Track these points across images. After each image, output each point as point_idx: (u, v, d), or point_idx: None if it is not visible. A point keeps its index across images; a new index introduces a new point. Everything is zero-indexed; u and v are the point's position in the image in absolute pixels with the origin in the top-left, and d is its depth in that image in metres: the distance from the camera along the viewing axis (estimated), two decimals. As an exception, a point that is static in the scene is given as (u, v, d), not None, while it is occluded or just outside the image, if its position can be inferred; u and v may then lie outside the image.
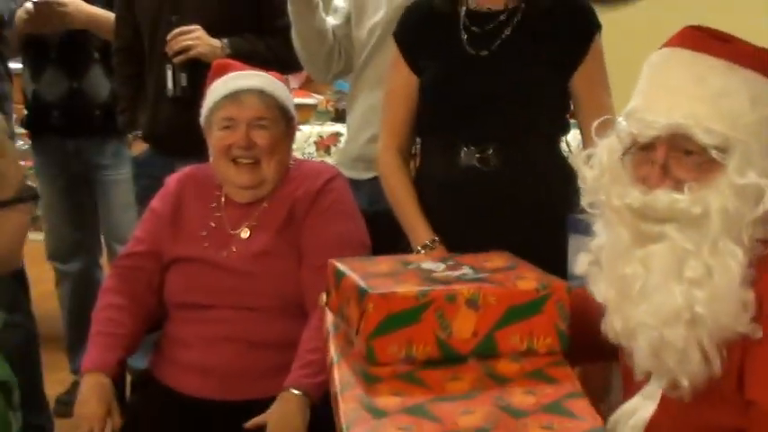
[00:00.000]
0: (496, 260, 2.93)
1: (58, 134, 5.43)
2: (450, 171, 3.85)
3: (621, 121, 2.62)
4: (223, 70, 3.88)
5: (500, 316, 2.72)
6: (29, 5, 4.96)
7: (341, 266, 2.94)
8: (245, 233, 3.80)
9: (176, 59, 4.79)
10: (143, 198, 4.33)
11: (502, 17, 3.82)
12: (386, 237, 3.87)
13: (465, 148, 3.82)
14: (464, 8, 3.86)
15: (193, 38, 4.78)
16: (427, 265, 2.97)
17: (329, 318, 2.99)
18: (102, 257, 5.81)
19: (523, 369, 2.67)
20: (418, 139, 4.09)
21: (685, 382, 2.50)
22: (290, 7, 4.37)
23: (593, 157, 2.68)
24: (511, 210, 3.79)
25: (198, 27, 4.79)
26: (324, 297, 3.08)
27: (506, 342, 2.71)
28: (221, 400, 3.59)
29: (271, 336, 3.62)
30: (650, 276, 2.55)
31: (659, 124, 2.51)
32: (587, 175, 2.68)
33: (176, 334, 3.77)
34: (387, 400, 2.53)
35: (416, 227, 3.85)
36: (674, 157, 2.52)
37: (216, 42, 4.80)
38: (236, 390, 3.61)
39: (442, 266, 2.94)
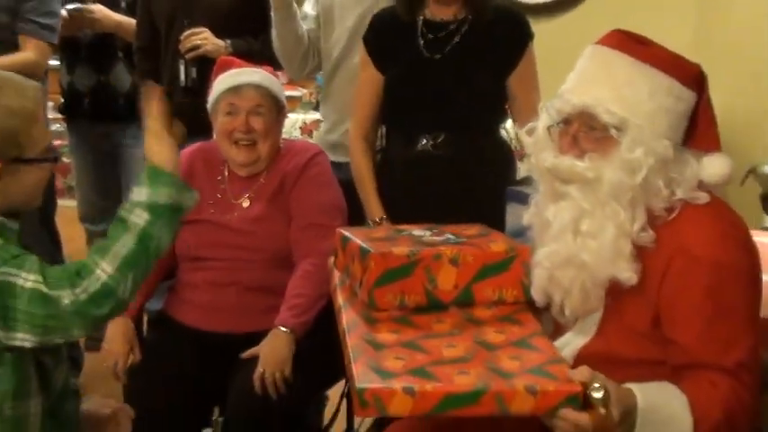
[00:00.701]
0: (472, 229, 3.10)
1: (88, 119, 5.57)
2: (409, 154, 4.00)
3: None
4: (227, 66, 4.03)
5: (476, 272, 2.88)
6: (64, 12, 5.12)
7: (346, 233, 3.12)
8: (245, 203, 3.95)
9: (188, 56, 4.95)
10: None
11: (452, 27, 3.95)
12: (357, 206, 4.05)
13: (421, 136, 3.95)
14: (421, 18, 3.99)
15: (202, 38, 4.91)
16: (417, 232, 3.14)
17: (336, 275, 3.15)
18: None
19: (495, 314, 2.83)
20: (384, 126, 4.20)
21: (568, 312, 2.73)
22: (273, 14, 4.51)
23: (534, 129, 2.82)
24: (459, 185, 3.93)
25: (205, 29, 4.92)
26: (332, 259, 3.24)
27: (481, 293, 2.87)
28: (223, 333, 3.77)
29: (264, 282, 3.78)
30: (554, 226, 2.73)
31: (572, 103, 2.67)
32: (526, 142, 2.85)
33: (188, 280, 3.92)
34: (385, 337, 2.68)
35: (371, 205, 4.04)
36: (582, 131, 2.67)
37: (221, 42, 4.90)
38: (235, 324, 3.78)
39: (428, 233, 3.11)
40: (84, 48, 5.56)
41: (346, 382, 4.12)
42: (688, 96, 2.69)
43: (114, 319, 3.52)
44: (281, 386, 3.53)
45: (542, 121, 2.78)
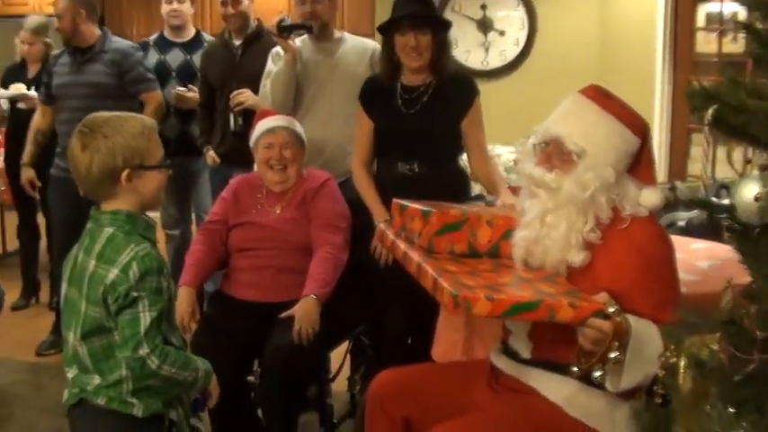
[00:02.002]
0: (489, 208, 3.35)
1: (172, 155, 5.61)
2: (392, 176, 4.16)
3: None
4: (264, 115, 4.32)
5: (504, 232, 3.03)
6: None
7: (403, 202, 3.35)
8: (278, 209, 4.14)
9: (236, 108, 5.14)
10: (215, 190, 4.60)
11: (421, 89, 4.13)
12: (352, 216, 4.19)
13: (399, 163, 4.12)
14: (399, 83, 4.17)
15: (246, 96, 5.12)
16: (456, 204, 3.39)
17: (390, 233, 3.34)
18: (192, 225, 6.12)
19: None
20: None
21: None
22: (283, 66, 4.63)
23: (525, 143, 2.99)
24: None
25: (248, 90, 5.11)
26: (381, 225, 3.58)
27: (506, 248, 3.00)
28: (263, 302, 3.98)
29: (291, 265, 4.01)
30: (527, 215, 2.93)
31: (551, 131, 2.90)
32: (520, 152, 3.02)
33: (238, 265, 4.16)
34: (451, 267, 2.81)
35: (376, 210, 4.13)
36: (555, 152, 2.89)
37: (258, 98, 5.00)
38: (272, 295, 3.98)
39: (464, 206, 3.37)
40: (172, 108, 5.88)
41: (349, 343, 4.39)
42: (634, 141, 2.89)
43: (182, 289, 3.90)
44: (311, 337, 3.74)
45: (531, 139, 2.98)
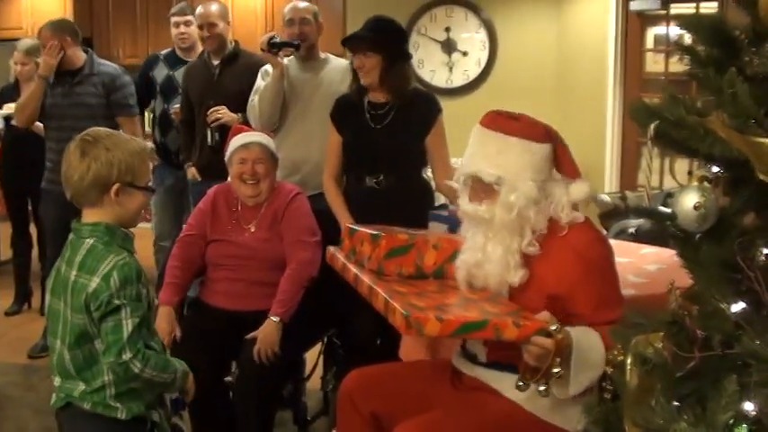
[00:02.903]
0: (436, 232, 3.38)
1: (173, 167, 5.89)
2: (360, 189, 4.21)
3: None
4: (238, 131, 4.27)
5: (449, 255, 3.04)
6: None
7: (353, 227, 3.33)
8: (253, 228, 4.09)
9: (213, 125, 5.20)
10: (195, 204, 4.49)
11: (387, 106, 4.17)
12: (323, 225, 4.11)
13: (367, 177, 4.16)
14: (367, 100, 4.19)
15: (222, 113, 5.20)
16: (403, 229, 3.31)
17: (341, 255, 3.29)
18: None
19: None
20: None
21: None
22: (270, 82, 4.67)
23: (458, 181, 2.97)
24: (395, 209, 3.99)
25: (224, 107, 5.18)
26: (331, 248, 3.44)
27: (451, 270, 2.99)
28: (236, 310, 3.97)
29: (262, 278, 3.98)
30: (470, 243, 2.93)
31: (465, 171, 2.91)
32: (457, 189, 2.99)
33: (214, 276, 4.13)
34: (401, 289, 2.80)
35: (343, 218, 4.14)
36: (478, 187, 2.88)
37: (234, 115, 5.13)
38: (244, 305, 3.97)
39: (410, 231, 3.28)
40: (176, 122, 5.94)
41: (322, 344, 4.38)
42: (543, 148, 2.87)
43: (161, 308, 3.83)
44: (272, 357, 3.74)
45: (459, 179, 2.96)
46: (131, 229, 2.84)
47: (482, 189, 2.86)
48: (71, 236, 2.82)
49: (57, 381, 2.82)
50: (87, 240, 2.73)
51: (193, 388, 3.02)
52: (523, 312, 2.66)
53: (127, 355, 2.63)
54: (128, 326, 2.63)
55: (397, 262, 3.03)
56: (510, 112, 2.97)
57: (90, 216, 2.77)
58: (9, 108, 6.37)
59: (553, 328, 2.54)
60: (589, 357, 2.61)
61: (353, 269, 3.11)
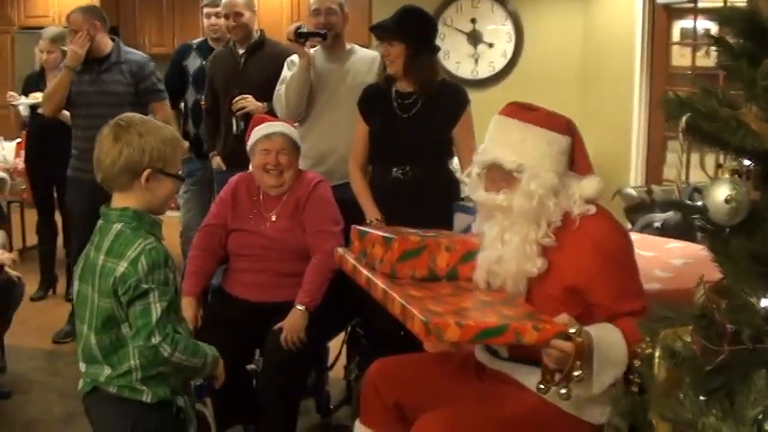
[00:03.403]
0: (446, 233, 3.26)
1: (203, 157, 5.82)
2: (386, 180, 4.17)
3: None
4: (260, 121, 4.23)
5: (461, 256, 3.01)
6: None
7: (362, 228, 3.28)
8: (274, 217, 4.07)
9: (238, 113, 5.21)
10: (219, 191, 4.46)
11: (415, 96, 4.14)
12: (347, 215, 4.09)
13: (393, 167, 4.12)
14: (395, 89, 4.17)
15: (247, 101, 5.20)
16: (413, 230, 3.28)
17: (351, 258, 3.23)
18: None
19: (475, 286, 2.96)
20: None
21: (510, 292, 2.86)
22: (296, 71, 4.66)
23: (471, 174, 2.97)
24: (420, 201, 4.05)
25: (249, 96, 5.19)
26: (340, 250, 3.39)
27: (464, 271, 2.99)
28: (260, 302, 3.98)
29: (285, 269, 3.97)
30: (488, 237, 2.92)
31: (485, 158, 2.90)
32: (467, 182, 3.03)
33: (237, 267, 4.13)
34: (415, 293, 2.76)
35: (369, 209, 4.17)
36: (497, 175, 2.87)
37: (259, 104, 5.14)
38: (267, 296, 3.98)
39: (420, 231, 3.23)
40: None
41: (345, 334, 4.37)
42: (563, 140, 2.90)
43: (185, 298, 3.73)
44: (298, 343, 3.75)
45: (474, 169, 2.96)
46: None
47: (501, 177, 2.86)
48: (100, 221, 2.82)
49: (82, 366, 2.83)
50: (115, 225, 2.73)
51: (223, 374, 3.01)
52: (541, 315, 2.63)
53: (156, 339, 2.63)
54: (156, 309, 2.63)
55: (410, 265, 2.99)
56: (530, 104, 2.99)
57: (119, 201, 2.78)
58: (35, 97, 6.40)
59: (572, 330, 2.51)
60: (611, 356, 2.60)
61: (365, 272, 3.07)
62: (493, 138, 2.94)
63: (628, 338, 2.61)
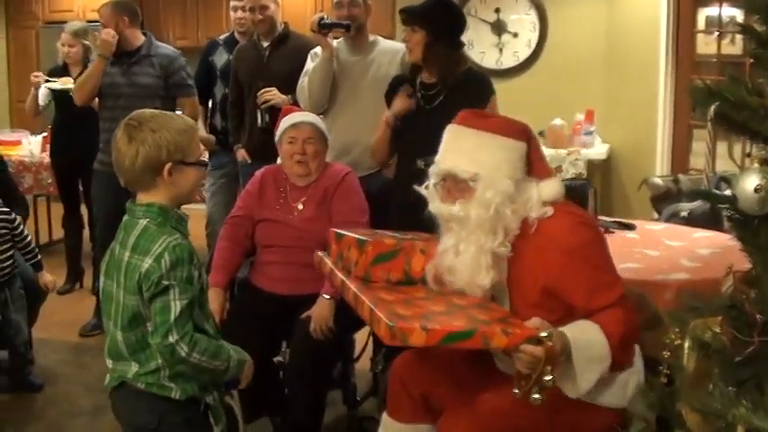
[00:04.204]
0: (424, 235, 3.15)
1: (230, 150, 5.76)
2: (410, 172, 4.04)
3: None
4: (288, 111, 4.26)
5: None
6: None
7: (339, 231, 3.24)
8: (300, 206, 4.07)
9: (263, 106, 5.21)
10: (244, 184, 4.49)
11: (439, 87, 4.11)
12: (373, 206, 4.12)
13: (417, 159, 4.01)
14: (419, 80, 4.16)
15: (272, 94, 5.20)
16: (390, 233, 3.27)
17: (328, 261, 3.23)
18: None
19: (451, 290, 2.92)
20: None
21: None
22: (319, 63, 4.69)
23: (428, 186, 2.93)
24: None
25: (274, 88, 5.19)
26: (319, 253, 3.39)
27: None
28: (286, 294, 3.97)
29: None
30: (441, 247, 2.88)
31: (440, 168, 2.87)
32: (424, 194, 2.94)
33: (264, 259, 4.13)
34: (387, 297, 2.74)
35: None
36: (452, 185, 2.84)
37: (284, 97, 5.12)
38: (294, 289, 3.97)
39: (399, 234, 3.20)
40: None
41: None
42: (518, 146, 2.85)
43: (211, 289, 3.72)
44: (327, 332, 3.76)
45: (430, 181, 2.93)
46: (185, 211, 2.84)
47: (456, 188, 2.83)
48: (125, 217, 2.82)
49: (109, 363, 2.83)
50: (141, 221, 2.73)
51: (250, 377, 2.98)
52: (513, 319, 2.61)
53: (173, 337, 2.61)
54: (176, 307, 2.62)
55: (385, 268, 2.96)
56: (484, 111, 3.03)
57: (145, 198, 2.77)
58: (65, 82, 6.35)
59: (544, 334, 2.46)
60: (592, 353, 2.59)
61: (340, 275, 3.06)
62: (447, 147, 2.91)
63: (606, 332, 2.60)
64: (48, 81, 6.51)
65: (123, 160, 2.71)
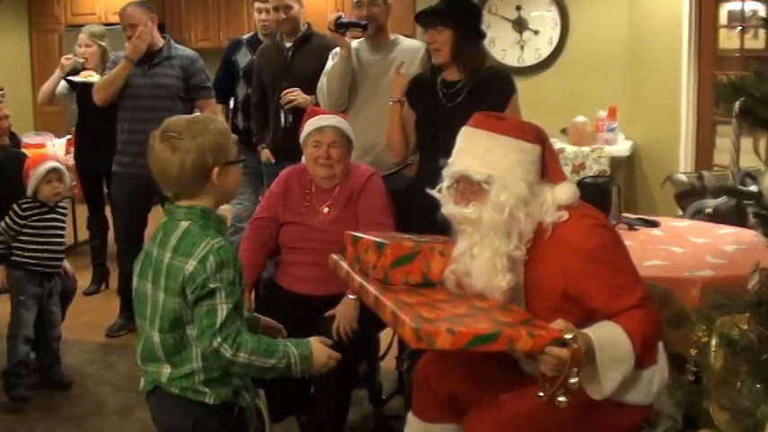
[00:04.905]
0: (441, 238, 3.10)
1: (253, 150, 5.71)
2: (433, 170, 3.95)
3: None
4: (313, 113, 4.23)
5: None
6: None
7: (356, 234, 3.22)
8: (326, 209, 4.08)
9: (287, 106, 5.22)
10: (268, 184, 4.51)
11: (460, 84, 4.07)
12: (399, 205, 4.14)
13: (440, 157, 3.94)
14: (440, 78, 4.13)
15: (296, 94, 5.20)
16: (407, 235, 3.26)
17: (344, 265, 3.21)
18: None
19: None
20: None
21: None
22: (338, 61, 4.70)
23: (441, 189, 2.94)
24: None
25: (297, 88, 5.19)
26: (333, 256, 3.35)
27: None
28: (311, 294, 3.97)
29: None
30: (456, 251, 2.87)
31: (453, 170, 2.89)
32: (438, 197, 2.94)
33: (289, 260, 4.14)
34: (408, 299, 2.72)
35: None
36: (466, 188, 2.84)
37: (308, 97, 5.12)
38: (320, 289, 3.95)
39: (415, 236, 3.19)
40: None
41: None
42: (532, 149, 2.85)
43: None
44: (350, 333, 3.76)
45: (443, 183, 2.94)
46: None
47: (470, 190, 2.83)
48: (164, 218, 2.81)
49: (141, 364, 2.82)
50: (182, 223, 2.71)
51: (326, 362, 2.88)
52: (537, 321, 2.60)
53: (217, 341, 2.60)
54: (222, 311, 2.61)
55: (404, 270, 2.94)
56: (498, 113, 3.00)
57: (189, 202, 2.75)
58: (87, 75, 6.31)
59: (569, 337, 2.46)
60: (616, 353, 2.58)
61: (358, 278, 3.04)
62: (461, 149, 2.92)
63: (629, 332, 2.59)
64: (68, 76, 6.50)
65: (170, 172, 2.69)
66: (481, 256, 2.77)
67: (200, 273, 2.60)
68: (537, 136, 2.88)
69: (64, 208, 4.95)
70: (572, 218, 2.77)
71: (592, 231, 2.76)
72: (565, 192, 2.80)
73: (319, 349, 2.85)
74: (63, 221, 4.93)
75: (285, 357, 2.74)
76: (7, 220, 4.76)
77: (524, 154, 2.82)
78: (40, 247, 4.78)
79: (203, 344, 2.64)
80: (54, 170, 4.81)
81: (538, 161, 2.85)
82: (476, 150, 2.84)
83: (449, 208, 2.88)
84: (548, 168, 2.88)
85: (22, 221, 4.75)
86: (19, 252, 4.78)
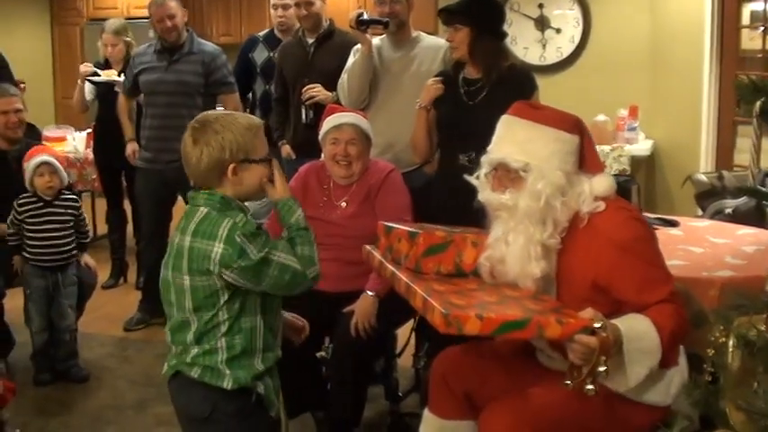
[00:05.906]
0: (473, 229, 3.13)
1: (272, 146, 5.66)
2: (452, 167, 4.08)
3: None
4: (332, 111, 4.24)
5: None
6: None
7: (389, 224, 3.25)
8: (343, 204, 4.08)
9: (308, 102, 5.22)
10: (289, 180, 4.51)
11: (481, 82, 4.10)
12: (418, 202, 4.12)
13: (459, 154, 4.06)
14: (462, 75, 4.14)
15: (317, 91, 5.20)
16: (440, 226, 3.25)
17: (377, 254, 3.23)
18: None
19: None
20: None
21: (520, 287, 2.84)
22: (359, 58, 4.71)
23: (479, 176, 2.97)
24: None
25: (319, 85, 5.19)
26: (367, 246, 3.38)
27: None
28: (330, 291, 3.87)
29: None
30: (491, 237, 2.91)
31: (491, 158, 2.92)
32: (476, 184, 2.98)
33: (308, 256, 4.06)
34: (439, 287, 2.74)
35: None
36: (503, 175, 2.87)
37: (329, 93, 5.12)
38: (338, 285, 3.91)
39: (448, 228, 3.18)
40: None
41: (414, 322, 4.33)
42: (571, 139, 2.88)
43: None
44: (369, 329, 3.76)
45: (482, 170, 2.97)
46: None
47: (507, 177, 2.86)
48: (187, 206, 2.86)
49: (173, 347, 2.87)
50: (202, 208, 2.76)
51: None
52: (566, 310, 2.61)
53: (313, 272, 2.84)
54: (284, 259, 2.75)
55: (436, 260, 2.97)
56: (537, 103, 3.03)
57: (209, 190, 2.83)
58: (109, 74, 6.37)
59: (598, 325, 2.46)
60: (642, 346, 2.58)
61: (390, 267, 3.06)
62: (500, 137, 2.94)
63: (657, 326, 2.60)
64: (89, 77, 6.51)
65: (191, 160, 2.79)
66: (516, 243, 2.80)
67: (235, 254, 2.65)
68: (576, 126, 2.90)
69: (67, 201, 4.93)
70: (608, 209, 2.80)
71: (626, 223, 2.78)
72: (602, 183, 2.83)
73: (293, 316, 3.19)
74: (65, 215, 4.90)
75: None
76: (12, 212, 4.83)
77: (563, 144, 2.84)
78: (40, 242, 4.83)
79: (305, 287, 2.86)
80: (45, 164, 4.84)
81: (576, 151, 2.88)
82: (515, 138, 2.87)
83: (486, 194, 2.91)
84: (586, 159, 2.90)
85: (19, 216, 4.83)
86: (25, 246, 4.85)
